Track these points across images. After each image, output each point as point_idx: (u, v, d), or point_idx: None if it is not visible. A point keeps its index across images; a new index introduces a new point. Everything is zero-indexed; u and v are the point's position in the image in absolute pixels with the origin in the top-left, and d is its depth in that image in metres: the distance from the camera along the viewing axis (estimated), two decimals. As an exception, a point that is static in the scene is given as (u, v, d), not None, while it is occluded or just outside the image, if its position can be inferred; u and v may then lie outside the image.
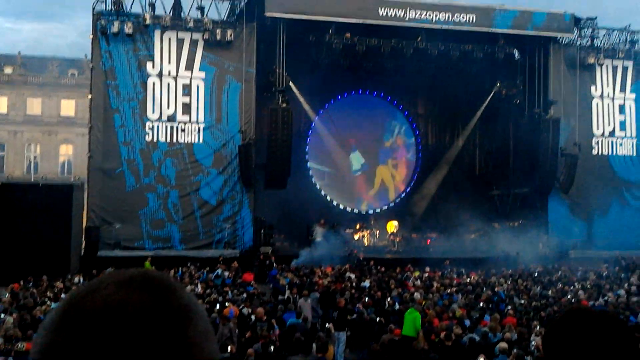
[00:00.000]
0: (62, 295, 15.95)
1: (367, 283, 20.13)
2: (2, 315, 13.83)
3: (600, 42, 32.07)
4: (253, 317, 14.42)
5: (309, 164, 33.94)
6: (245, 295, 17.93)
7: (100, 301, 0.88)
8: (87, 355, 0.85)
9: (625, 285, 19.91)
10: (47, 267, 21.02)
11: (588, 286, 19.89)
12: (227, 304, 15.85)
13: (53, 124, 48.21)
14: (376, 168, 36.00)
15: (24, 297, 16.60)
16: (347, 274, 21.90)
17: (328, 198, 34.04)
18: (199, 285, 18.88)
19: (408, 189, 35.80)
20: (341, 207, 33.99)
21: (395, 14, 27.94)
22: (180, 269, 22.39)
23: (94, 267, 21.14)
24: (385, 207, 35.00)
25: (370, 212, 34.51)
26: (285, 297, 18.18)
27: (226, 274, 21.82)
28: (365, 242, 30.81)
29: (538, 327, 13.25)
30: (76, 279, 20.22)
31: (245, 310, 15.14)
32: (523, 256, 26.35)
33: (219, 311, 14.52)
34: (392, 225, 31.92)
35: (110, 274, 0.94)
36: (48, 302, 15.76)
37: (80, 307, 0.88)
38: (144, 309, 0.87)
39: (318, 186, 34.08)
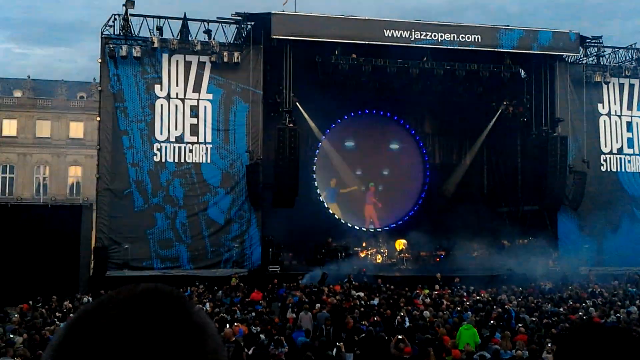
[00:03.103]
0: (71, 315, 15.95)
1: (375, 301, 20.03)
2: (12, 336, 13.86)
3: (607, 61, 32.18)
4: (262, 335, 14.38)
5: (316, 182, 33.98)
6: (253, 314, 17.86)
7: (110, 316, 0.84)
8: None
9: (637, 301, 19.68)
10: (56, 287, 21.17)
11: (599, 303, 19.69)
12: (235, 323, 15.80)
13: (62, 146, 48.68)
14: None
15: (33, 317, 16.64)
16: (352, 292, 21.79)
17: (336, 216, 34.01)
18: (207, 305, 18.85)
19: (416, 207, 35.74)
20: (349, 225, 33.93)
21: (401, 34, 28.11)
22: (189, 288, 22.39)
23: (102, 287, 21.12)
24: (393, 225, 34.90)
25: (379, 230, 34.41)
26: (294, 315, 18.08)
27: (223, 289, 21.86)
28: (378, 259, 30.66)
29: (550, 345, 13.10)
30: (85, 299, 20.24)
31: (254, 329, 15.11)
32: (533, 273, 26.11)
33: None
34: (401, 244, 31.80)
35: (121, 289, 0.90)
36: (57, 322, 15.80)
37: (89, 323, 0.84)
38: (157, 324, 0.84)
39: (326, 204, 34.07)
